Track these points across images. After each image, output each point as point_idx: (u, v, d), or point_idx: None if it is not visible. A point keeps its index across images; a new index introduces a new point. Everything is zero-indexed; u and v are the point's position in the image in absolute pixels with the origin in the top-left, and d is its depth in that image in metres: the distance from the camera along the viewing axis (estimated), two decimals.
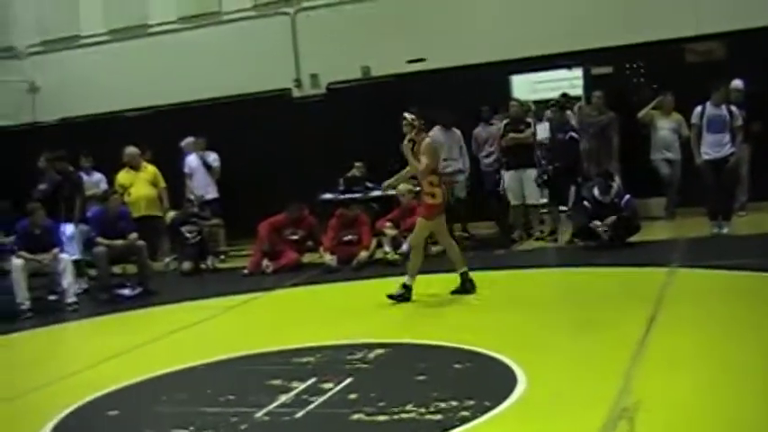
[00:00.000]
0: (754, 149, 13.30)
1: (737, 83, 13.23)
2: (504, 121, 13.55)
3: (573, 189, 12.94)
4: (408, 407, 5.74)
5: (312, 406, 6.03)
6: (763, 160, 13.32)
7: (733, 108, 12.19)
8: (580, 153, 13.14)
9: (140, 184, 13.85)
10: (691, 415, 5.17)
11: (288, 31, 16.46)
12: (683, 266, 9.87)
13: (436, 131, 14.09)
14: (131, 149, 14.02)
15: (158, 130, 15.55)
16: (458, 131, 14.13)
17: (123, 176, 13.97)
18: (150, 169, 14.06)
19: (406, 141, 9.54)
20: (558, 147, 12.70)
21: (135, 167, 13.97)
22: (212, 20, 16.89)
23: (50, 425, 6.20)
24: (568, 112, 14.00)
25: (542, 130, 13.30)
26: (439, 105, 14.29)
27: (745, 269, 9.38)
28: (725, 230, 12.03)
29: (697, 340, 6.82)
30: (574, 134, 12.93)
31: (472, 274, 9.80)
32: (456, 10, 15.36)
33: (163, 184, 14.06)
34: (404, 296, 9.49)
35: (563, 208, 13.33)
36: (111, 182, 14.44)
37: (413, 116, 9.56)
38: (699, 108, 12.18)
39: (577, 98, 15.10)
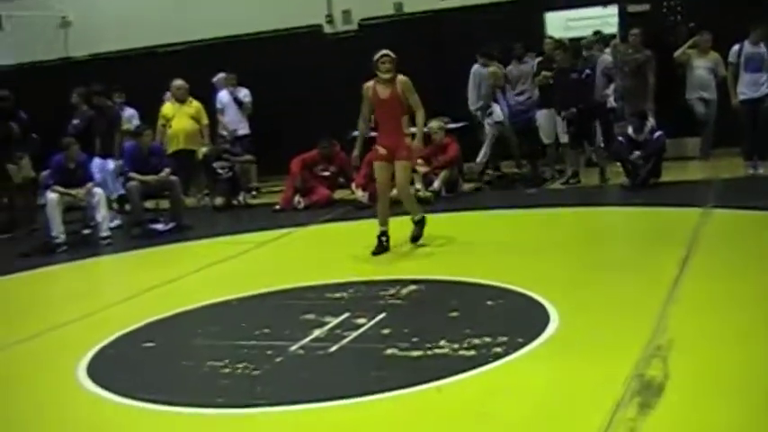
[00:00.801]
0: None
1: None
2: (538, 59, 13.42)
3: (598, 126, 12.84)
4: (441, 342, 5.79)
5: (346, 341, 6.09)
6: None
7: None
8: (594, 91, 13.00)
9: (182, 117, 13.81)
10: (724, 356, 5.17)
11: None
12: (717, 207, 9.79)
13: (477, 67, 14.01)
14: (179, 82, 13.95)
15: (190, 66, 15.40)
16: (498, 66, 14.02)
17: (167, 108, 13.97)
18: (195, 104, 13.98)
19: (379, 80, 9.00)
20: (572, 87, 12.52)
21: (180, 100, 13.94)
22: None
23: (89, 355, 6.33)
24: (600, 52, 13.87)
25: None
26: (473, 42, 14.21)
27: None
28: (761, 171, 11.91)
29: (731, 282, 6.78)
30: (589, 71, 12.79)
31: (504, 212, 9.77)
32: None
33: (206, 120, 14.00)
34: (420, 231, 9.38)
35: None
36: (143, 117, 14.50)
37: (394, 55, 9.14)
38: (736, 47, 12.01)
39: (612, 36, 14.89)
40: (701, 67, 13.44)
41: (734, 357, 5.13)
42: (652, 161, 11.64)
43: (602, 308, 6.38)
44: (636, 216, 10.28)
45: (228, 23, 16.35)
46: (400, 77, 9.01)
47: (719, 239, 8.40)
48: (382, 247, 9.10)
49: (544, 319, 6.15)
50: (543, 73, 12.99)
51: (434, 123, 12.73)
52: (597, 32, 14.54)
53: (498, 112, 13.72)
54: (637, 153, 11.68)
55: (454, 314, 6.56)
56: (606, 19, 15.42)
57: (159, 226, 11.97)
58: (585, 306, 6.44)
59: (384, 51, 9.02)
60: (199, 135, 13.87)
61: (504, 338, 5.73)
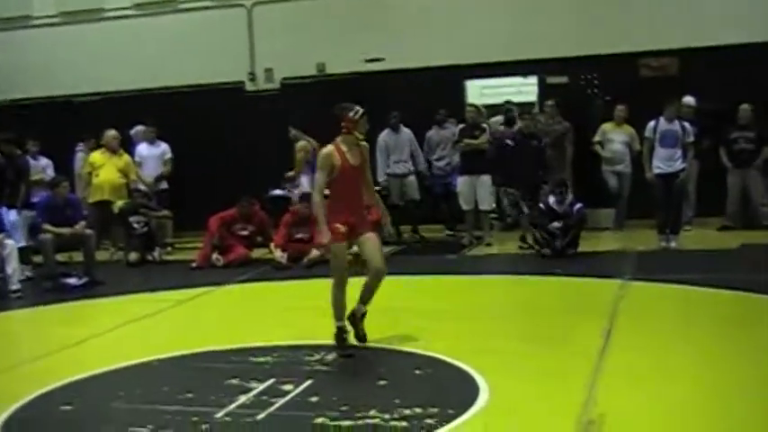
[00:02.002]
0: (701, 166, 13.52)
1: (689, 99, 13.46)
2: (460, 126, 13.59)
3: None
4: (372, 412, 5.70)
5: (273, 408, 5.96)
6: (709, 176, 13.57)
7: (686, 124, 12.36)
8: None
9: (111, 168, 13.69)
10: (657, 428, 5.23)
11: (244, 23, 16.29)
12: (634, 279, 9.98)
13: (386, 133, 14.20)
14: (112, 132, 13.87)
15: (109, 117, 15.16)
16: (407, 131, 14.22)
17: (97, 156, 13.86)
18: (125, 157, 13.95)
19: (346, 143, 7.42)
20: (534, 155, 12.91)
21: (112, 150, 13.76)
22: (168, 8, 16.63)
23: (1, 419, 6.04)
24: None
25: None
26: (395, 105, 14.36)
27: (693, 284, 9.52)
28: (672, 244, 12.20)
29: (655, 354, 6.91)
30: (547, 140, 13.38)
31: (425, 278, 9.73)
32: (415, 11, 15.39)
33: (134, 176, 13.93)
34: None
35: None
36: (57, 167, 14.23)
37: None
38: (652, 122, 12.33)
39: (529, 104, 15.29)
40: (617, 140, 13.84)
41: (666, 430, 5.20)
42: (572, 233, 11.85)
43: (532, 379, 6.38)
44: (556, 285, 10.38)
45: (149, 76, 16.22)
46: (362, 143, 7.60)
47: (639, 311, 8.54)
48: (346, 347, 7.46)
49: (473, 389, 6.12)
50: (466, 140, 13.12)
51: None
52: (508, 101, 14.92)
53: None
54: (556, 224, 11.88)
55: (382, 383, 6.49)
56: (520, 88, 15.84)
57: (72, 281, 11.64)
58: (515, 377, 6.44)
59: (360, 108, 7.50)
60: (124, 189, 13.67)
61: (435, 410, 5.68)
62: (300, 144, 14.14)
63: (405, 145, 14.30)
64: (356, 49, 15.59)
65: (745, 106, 13.50)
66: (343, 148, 7.44)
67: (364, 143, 7.64)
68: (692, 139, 12.27)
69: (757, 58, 13.62)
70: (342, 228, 7.43)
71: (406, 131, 14.36)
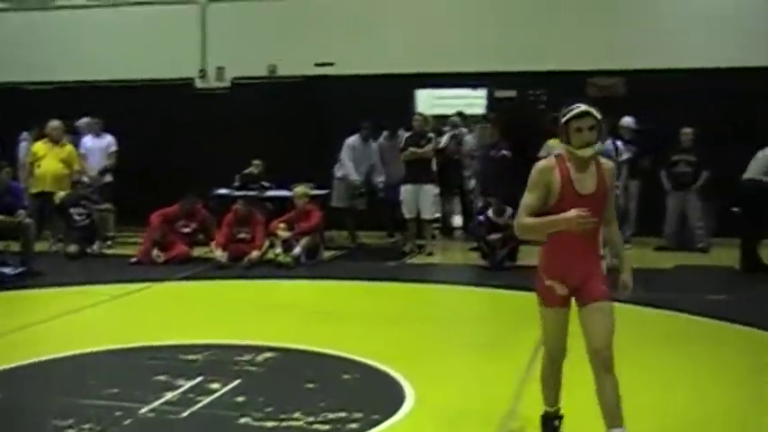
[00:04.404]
0: (642, 185, 13.73)
1: (628, 120, 13.70)
2: (406, 135, 13.66)
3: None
4: (296, 414, 5.74)
5: (198, 406, 5.97)
6: (650, 196, 13.78)
7: (618, 143, 12.59)
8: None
9: (53, 159, 13.49)
10: None
11: (197, 20, 16.28)
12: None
13: (354, 139, 14.19)
14: (55, 122, 13.65)
15: (55, 107, 15.02)
16: (375, 145, 14.30)
17: (39, 146, 13.66)
18: (68, 148, 13.73)
19: (572, 159, 4.83)
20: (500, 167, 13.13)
21: (54, 141, 13.58)
22: (122, 1, 16.57)
23: None
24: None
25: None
26: (342, 111, 14.41)
27: (627, 302, 9.63)
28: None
29: (583, 366, 6.98)
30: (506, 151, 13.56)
31: (364, 284, 9.72)
32: (368, 18, 15.51)
33: (77, 166, 13.74)
34: None
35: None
36: (1, 155, 14.06)
37: None
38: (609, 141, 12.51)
39: (482, 116, 15.40)
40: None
41: None
42: (509, 245, 11.96)
43: (459, 387, 6.46)
44: (492, 297, 10.47)
45: (97, 68, 16.14)
46: (606, 162, 5.03)
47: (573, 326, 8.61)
48: None
49: (400, 396, 6.18)
50: (411, 149, 13.19)
51: (299, 188, 12.81)
52: (460, 113, 15.05)
53: None
54: (494, 235, 12.00)
55: (310, 385, 6.52)
56: (471, 100, 15.95)
57: (7, 270, 11.48)
58: (442, 385, 6.50)
59: (583, 106, 4.81)
60: (67, 179, 13.51)
61: (360, 414, 5.73)
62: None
63: (369, 157, 14.29)
64: (308, 52, 15.63)
65: (687, 130, 13.73)
66: (570, 164, 4.88)
67: (607, 162, 5.04)
68: (624, 157, 12.50)
69: (702, 84, 13.86)
70: (558, 286, 5.03)
71: (374, 145, 14.38)
